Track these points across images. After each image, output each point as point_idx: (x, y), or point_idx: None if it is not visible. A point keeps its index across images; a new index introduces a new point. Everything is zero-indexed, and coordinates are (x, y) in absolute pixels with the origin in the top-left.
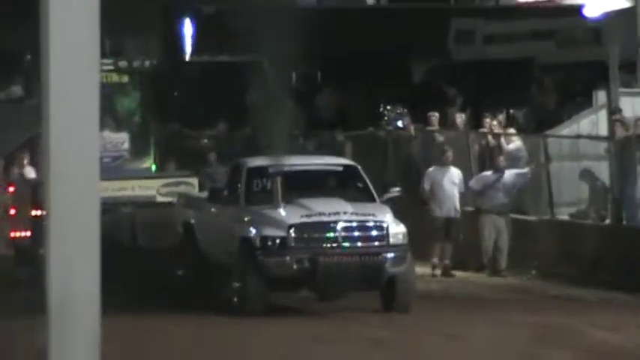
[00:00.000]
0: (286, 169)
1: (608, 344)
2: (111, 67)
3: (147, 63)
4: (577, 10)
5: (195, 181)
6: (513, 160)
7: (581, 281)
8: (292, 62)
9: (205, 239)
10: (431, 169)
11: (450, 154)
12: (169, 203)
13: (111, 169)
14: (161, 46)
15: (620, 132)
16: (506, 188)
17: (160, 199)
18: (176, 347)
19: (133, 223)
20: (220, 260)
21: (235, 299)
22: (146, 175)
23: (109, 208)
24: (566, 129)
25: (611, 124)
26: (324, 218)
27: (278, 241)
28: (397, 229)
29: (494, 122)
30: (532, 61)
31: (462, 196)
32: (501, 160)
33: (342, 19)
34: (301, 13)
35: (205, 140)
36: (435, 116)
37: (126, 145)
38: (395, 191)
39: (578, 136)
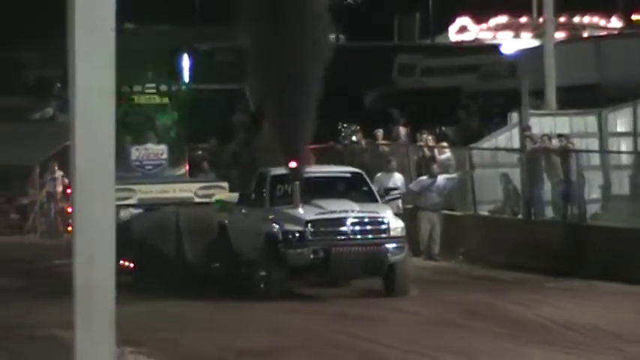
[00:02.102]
0: (304, 175)
1: (520, 316)
2: (153, 90)
3: (183, 87)
4: (496, 48)
5: (226, 185)
6: (444, 168)
7: (499, 265)
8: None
9: (236, 236)
10: (379, 174)
11: (393, 162)
12: (205, 203)
13: (152, 175)
14: (168, 76)
15: (529, 145)
16: (439, 190)
17: (196, 199)
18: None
19: (177, 218)
20: (248, 254)
21: (261, 285)
22: (184, 179)
23: (154, 206)
24: (487, 142)
25: (523, 138)
26: (336, 215)
27: (297, 234)
28: (396, 225)
29: (430, 137)
30: (460, 90)
31: (404, 196)
32: (435, 167)
33: None
34: None
35: (199, 152)
36: (380, 132)
37: (165, 156)
38: (394, 194)
39: (497, 149)
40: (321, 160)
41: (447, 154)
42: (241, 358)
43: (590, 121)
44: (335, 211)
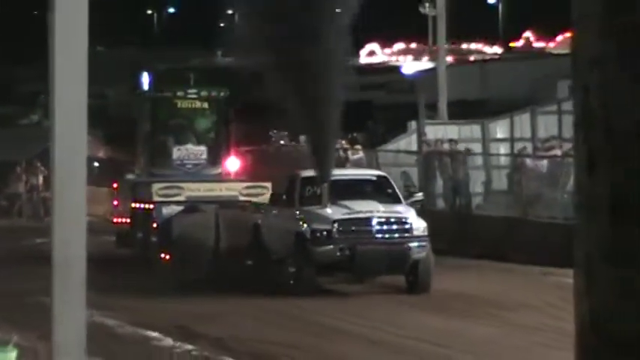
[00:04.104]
0: (332, 178)
1: (452, 291)
2: (195, 96)
3: (222, 94)
4: (399, 68)
5: (269, 185)
6: (357, 166)
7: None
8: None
9: (268, 235)
10: (302, 170)
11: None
12: (248, 201)
13: (192, 174)
14: (131, 90)
15: (425, 148)
16: None
17: (241, 198)
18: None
19: (217, 217)
20: (279, 252)
21: (291, 282)
22: (228, 179)
23: (195, 205)
24: (391, 146)
25: (420, 143)
26: (361, 215)
27: (325, 233)
28: (419, 224)
29: (344, 141)
30: (370, 103)
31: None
32: (348, 166)
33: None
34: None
35: None
36: (303, 137)
37: (204, 156)
38: (418, 196)
39: (398, 151)
40: (256, 160)
41: (360, 154)
42: (183, 318)
43: (475, 129)
44: (361, 211)
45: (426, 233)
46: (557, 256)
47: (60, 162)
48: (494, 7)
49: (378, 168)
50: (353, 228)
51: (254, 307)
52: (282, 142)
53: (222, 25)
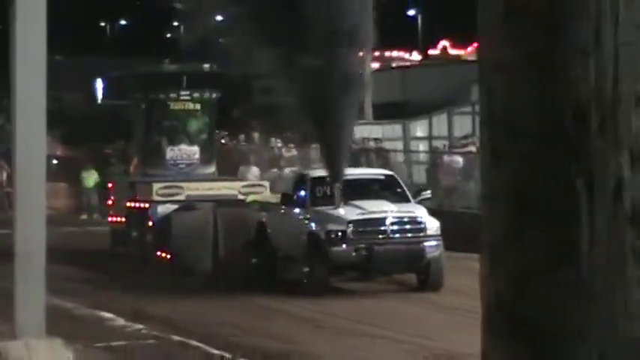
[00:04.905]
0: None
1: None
2: (187, 98)
3: (214, 95)
4: None
5: (267, 184)
6: (290, 163)
7: None
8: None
9: (275, 234)
10: (241, 167)
11: (252, 158)
12: (243, 202)
13: (185, 173)
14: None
15: (353, 146)
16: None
17: (240, 197)
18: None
19: (215, 216)
20: (288, 251)
21: (305, 281)
22: (226, 178)
23: (192, 204)
24: None
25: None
26: (376, 215)
27: (340, 234)
28: (432, 224)
29: (278, 140)
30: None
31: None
32: (282, 163)
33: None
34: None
35: (109, 150)
36: (242, 136)
37: (197, 156)
38: (425, 194)
39: None
40: None
41: (293, 152)
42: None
43: (396, 129)
44: (375, 212)
45: (439, 232)
46: (472, 243)
47: (21, 160)
48: (414, 18)
49: (310, 164)
50: (368, 228)
51: (212, 293)
52: (222, 140)
53: (169, 35)
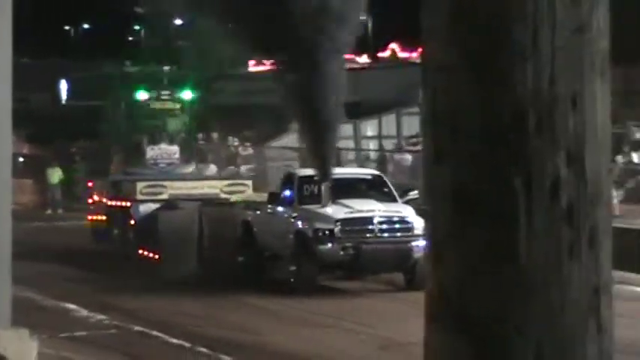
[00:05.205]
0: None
1: None
2: (168, 97)
3: (193, 96)
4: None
5: (250, 182)
6: (247, 161)
7: None
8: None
9: (262, 233)
10: (200, 165)
11: (210, 156)
12: (227, 201)
13: (165, 172)
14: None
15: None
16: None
17: (223, 195)
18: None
19: (200, 215)
20: (275, 249)
21: (292, 280)
22: (210, 177)
23: (174, 202)
24: (275, 143)
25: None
26: (364, 214)
27: (327, 232)
28: (420, 223)
29: (235, 139)
30: (260, 106)
31: None
32: (239, 161)
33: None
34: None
35: (74, 149)
36: (199, 135)
37: (177, 155)
38: (412, 194)
39: (283, 147)
40: None
41: (249, 151)
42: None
43: (348, 128)
44: (363, 211)
45: None
46: None
47: None
48: (364, 22)
49: (264, 162)
50: (356, 227)
51: (182, 288)
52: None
53: (130, 38)
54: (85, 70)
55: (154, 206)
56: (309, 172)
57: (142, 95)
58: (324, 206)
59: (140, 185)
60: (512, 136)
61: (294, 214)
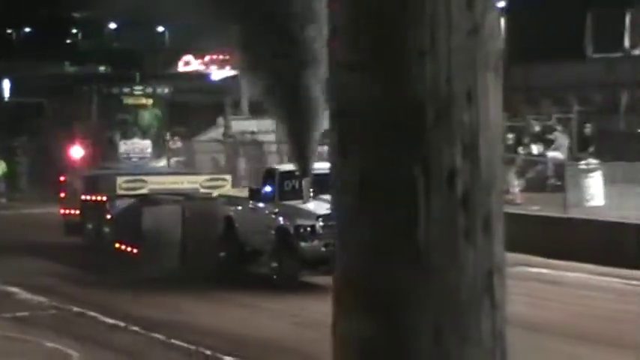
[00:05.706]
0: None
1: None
2: (140, 92)
3: (166, 90)
4: (209, 75)
5: (229, 177)
6: (176, 153)
7: None
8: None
9: (243, 229)
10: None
11: None
12: (210, 194)
13: (137, 167)
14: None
15: (225, 138)
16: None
17: (202, 190)
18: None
19: (183, 207)
20: (256, 245)
21: (274, 276)
22: (190, 172)
23: (164, 197)
24: (203, 136)
25: (226, 134)
26: None
27: (309, 228)
28: None
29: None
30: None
31: None
32: (169, 154)
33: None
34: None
35: (15, 144)
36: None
37: (149, 150)
38: None
39: (210, 140)
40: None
41: (178, 144)
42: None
43: (269, 123)
44: None
45: None
46: None
47: None
48: None
49: (193, 155)
50: None
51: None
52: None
53: (69, 41)
54: (25, 70)
55: (129, 201)
56: (289, 167)
57: (115, 90)
58: (305, 202)
59: (120, 180)
60: (412, 128)
61: (276, 210)
